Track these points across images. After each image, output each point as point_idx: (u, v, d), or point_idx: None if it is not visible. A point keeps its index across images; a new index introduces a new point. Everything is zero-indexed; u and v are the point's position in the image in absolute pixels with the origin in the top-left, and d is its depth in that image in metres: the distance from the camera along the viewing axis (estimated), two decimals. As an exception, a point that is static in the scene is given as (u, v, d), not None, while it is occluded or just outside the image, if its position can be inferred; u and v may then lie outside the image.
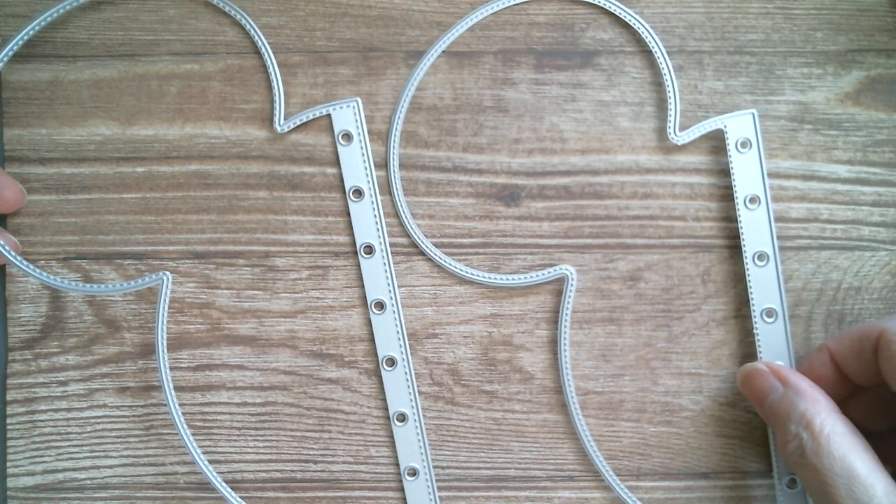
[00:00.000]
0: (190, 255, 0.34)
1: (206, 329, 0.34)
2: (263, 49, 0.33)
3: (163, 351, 0.32)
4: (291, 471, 0.34)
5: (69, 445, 0.34)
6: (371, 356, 0.34)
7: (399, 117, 0.33)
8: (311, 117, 0.34)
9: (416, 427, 0.34)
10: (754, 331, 0.33)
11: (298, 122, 0.33)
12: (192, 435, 0.34)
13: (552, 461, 0.34)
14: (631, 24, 0.33)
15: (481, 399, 0.34)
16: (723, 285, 0.34)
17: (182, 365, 0.34)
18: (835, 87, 0.34)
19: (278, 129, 0.33)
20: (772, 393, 0.30)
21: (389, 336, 0.34)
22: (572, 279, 0.33)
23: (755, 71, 0.34)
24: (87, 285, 0.33)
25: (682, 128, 0.34)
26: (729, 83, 0.34)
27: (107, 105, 0.34)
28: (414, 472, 0.34)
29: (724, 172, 0.34)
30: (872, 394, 0.31)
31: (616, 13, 0.33)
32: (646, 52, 0.34)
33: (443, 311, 0.34)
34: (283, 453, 0.34)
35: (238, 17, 0.33)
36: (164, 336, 0.32)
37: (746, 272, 0.33)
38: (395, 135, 0.33)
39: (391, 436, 0.34)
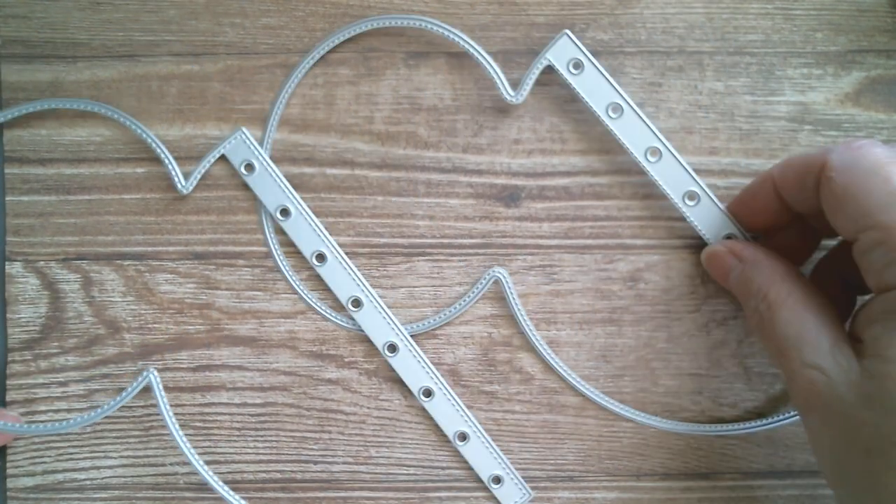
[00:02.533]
0: (190, 255, 0.34)
1: (206, 330, 0.34)
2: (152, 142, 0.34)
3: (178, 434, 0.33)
4: (291, 471, 0.34)
5: (69, 446, 0.34)
6: (371, 356, 0.34)
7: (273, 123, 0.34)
8: (209, 165, 0.34)
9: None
10: (686, 218, 0.33)
11: (198, 177, 0.33)
12: (192, 436, 0.34)
13: (552, 461, 0.34)
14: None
15: (481, 399, 0.34)
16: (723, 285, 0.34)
17: (182, 365, 0.34)
18: (835, 87, 0.34)
19: (183, 191, 0.33)
20: (732, 271, 0.31)
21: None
22: (507, 281, 0.33)
23: (755, 71, 0.34)
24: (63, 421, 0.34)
25: (688, 130, 0.33)
26: (729, 84, 0.34)
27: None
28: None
29: (724, 173, 0.34)
30: (814, 222, 0.31)
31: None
32: (645, 53, 0.34)
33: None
34: (283, 454, 0.34)
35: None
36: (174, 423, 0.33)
37: (646, 169, 0.33)
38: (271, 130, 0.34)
39: (391, 436, 0.34)
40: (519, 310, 0.33)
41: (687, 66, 0.34)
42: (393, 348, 0.34)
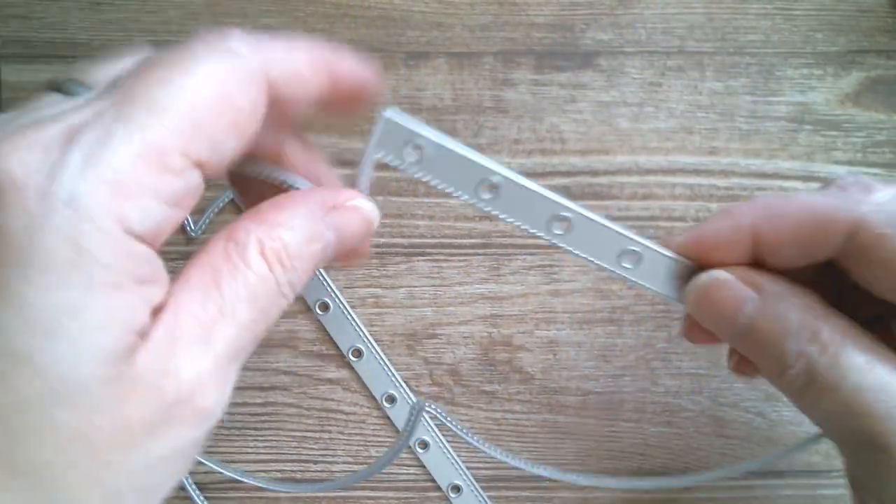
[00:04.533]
0: (190, 254, 0.34)
1: (206, 329, 0.34)
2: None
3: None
4: (291, 471, 0.34)
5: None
6: (371, 356, 0.34)
7: None
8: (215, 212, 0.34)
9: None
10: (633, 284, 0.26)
11: (207, 222, 0.34)
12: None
13: (552, 461, 0.34)
14: None
15: (481, 399, 0.34)
16: (722, 286, 0.34)
17: (182, 365, 0.34)
18: (835, 87, 0.34)
19: (192, 234, 0.34)
20: (745, 306, 0.23)
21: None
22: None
23: (755, 72, 0.34)
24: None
25: (688, 130, 0.33)
26: (729, 84, 0.34)
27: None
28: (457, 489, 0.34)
29: (724, 173, 0.34)
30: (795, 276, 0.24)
31: None
32: (645, 53, 0.34)
33: (443, 311, 0.34)
34: (283, 453, 0.34)
35: None
36: None
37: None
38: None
39: (391, 436, 0.34)
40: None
41: (687, 66, 0.34)
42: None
